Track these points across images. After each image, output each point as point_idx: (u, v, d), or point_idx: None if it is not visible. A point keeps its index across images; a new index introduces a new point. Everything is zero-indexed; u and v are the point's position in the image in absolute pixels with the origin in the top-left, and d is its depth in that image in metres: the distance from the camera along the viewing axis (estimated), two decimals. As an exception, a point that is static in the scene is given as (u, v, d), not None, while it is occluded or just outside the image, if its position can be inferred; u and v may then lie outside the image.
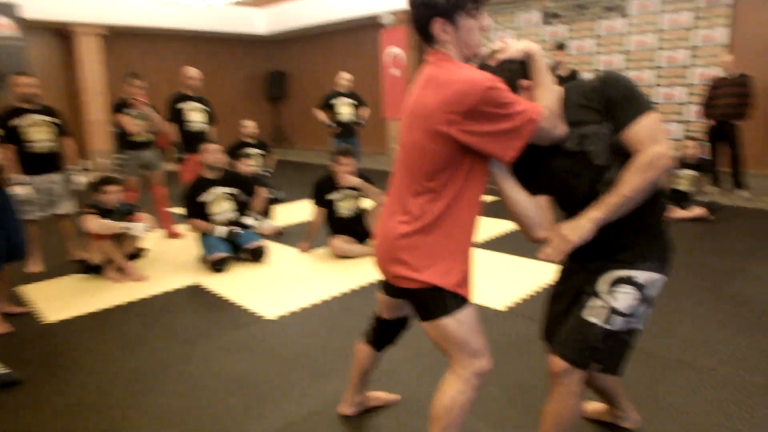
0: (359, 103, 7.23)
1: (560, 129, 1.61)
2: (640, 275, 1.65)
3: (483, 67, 1.64)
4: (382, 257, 1.73)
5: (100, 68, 9.97)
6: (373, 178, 4.72)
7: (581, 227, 1.58)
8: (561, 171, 1.67)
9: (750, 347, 2.81)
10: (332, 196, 4.63)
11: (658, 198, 1.66)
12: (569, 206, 1.73)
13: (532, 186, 1.71)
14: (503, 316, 3.32)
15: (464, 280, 1.68)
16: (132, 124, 5.15)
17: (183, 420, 2.36)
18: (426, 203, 1.62)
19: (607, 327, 1.63)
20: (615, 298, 1.64)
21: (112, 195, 4.20)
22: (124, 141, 5.28)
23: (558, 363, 1.68)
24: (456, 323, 1.66)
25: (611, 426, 2.19)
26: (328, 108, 7.11)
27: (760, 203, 6.02)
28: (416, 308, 1.74)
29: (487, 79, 1.49)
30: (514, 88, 1.58)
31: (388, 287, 1.96)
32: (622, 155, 1.57)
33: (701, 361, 2.69)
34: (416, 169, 1.62)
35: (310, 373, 2.72)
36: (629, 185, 1.52)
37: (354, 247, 4.65)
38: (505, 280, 3.92)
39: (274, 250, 4.89)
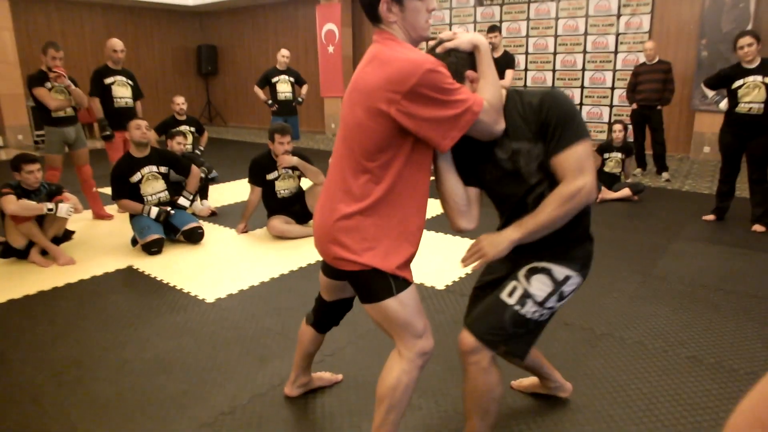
0: (298, 80, 7.12)
1: (500, 125, 1.61)
2: (559, 270, 1.70)
3: (431, 53, 1.63)
4: (322, 238, 1.71)
5: (9, 36, 9.27)
6: (312, 157, 4.68)
7: (498, 244, 1.60)
8: (493, 180, 1.70)
9: (674, 321, 3.00)
10: (271, 175, 4.55)
11: (584, 213, 1.69)
12: (500, 208, 1.78)
13: (467, 180, 1.73)
14: (443, 294, 3.39)
15: (405, 263, 1.67)
16: (51, 98, 4.84)
17: (122, 407, 2.29)
18: (366, 184, 1.60)
19: (519, 309, 1.66)
20: (531, 284, 1.69)
21: (33, 174, 3.96)
22: (44, 116, 4.96)
23: (467, 341, 1.69)
24: (398, 305, 1.66)
25: (548, 397, 2.30)
26: (268, 86, 6.96)
27: (678, 184, 6.40)
28: (357, 290, 1.73)
29: (429, 61, 1.48)
30: (460, 78, 1.59)
31: (329, 269, 1.92)
32: (553, 173, 1.60)
33: (629, 334, 2.85)
34: (357, 147, 1.60)
35: (252, 355, 2.70)
36: (549, 214, 1.56)
37: (293, 227, 4.60)
38: (445, 259, 4.00)
39: (210, 231, 4.77)
